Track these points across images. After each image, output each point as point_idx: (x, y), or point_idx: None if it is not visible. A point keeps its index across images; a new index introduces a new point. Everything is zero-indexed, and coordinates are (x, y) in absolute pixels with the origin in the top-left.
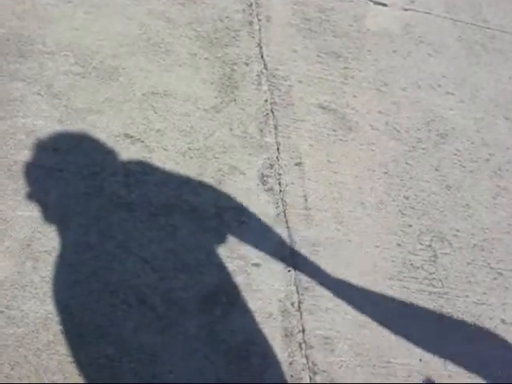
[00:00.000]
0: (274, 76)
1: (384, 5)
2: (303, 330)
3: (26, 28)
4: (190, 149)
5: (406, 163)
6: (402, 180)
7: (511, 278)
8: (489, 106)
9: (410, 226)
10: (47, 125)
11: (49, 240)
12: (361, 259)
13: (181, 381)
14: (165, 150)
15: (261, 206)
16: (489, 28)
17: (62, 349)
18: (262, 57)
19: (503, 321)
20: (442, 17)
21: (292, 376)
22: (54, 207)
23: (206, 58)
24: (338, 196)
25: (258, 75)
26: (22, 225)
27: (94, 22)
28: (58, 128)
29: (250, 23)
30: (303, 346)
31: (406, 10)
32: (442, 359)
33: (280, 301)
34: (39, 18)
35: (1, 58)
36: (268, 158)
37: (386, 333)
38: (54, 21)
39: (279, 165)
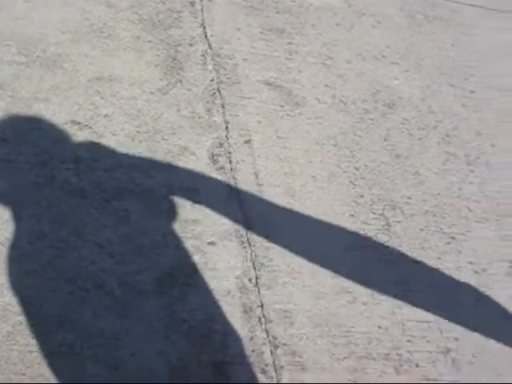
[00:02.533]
0: (218, 55)
1: None
2: (262, 305)
3: None
4: (138, 132)
5: (355, 135)
6: (351, 151)
7: (464, 242)
8: (434, 73)
9: (362, 196)
10: None
11: (1, 231)
12: (315, 232)
13: (143, 363)
14: (113, 134)
15: (213, 184)
16: None
17: (22, 339)
18: (205, 37)
19: (459, 284)
20: None
21: (253, 351)
22: (4, 198)
23: (149, 41)
24: (288, 171)
25: (202, 55)
26: None
27: (35, 10)
28: (4, 118)
29: (192, 4)
30: (263, 320)
31: None
32: (400, 324)
33: (237, 278)
34: None
35: None
36: (217, 137)
37: (343, 302)
38: None
39: (229, 143)
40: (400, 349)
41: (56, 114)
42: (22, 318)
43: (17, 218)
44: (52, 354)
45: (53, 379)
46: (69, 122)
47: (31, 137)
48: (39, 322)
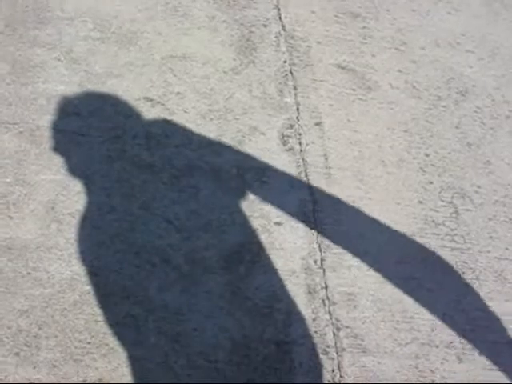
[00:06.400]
0: (292, 37)
1: None
2: (326, 287)
3: None
4: (210, 111)
5: (426, 121)
6: (422, 138)
7: None
8: (509, 63)
9: (431, 183)
10: (68, 89)
11: (73, 203)
12: (382, 216)
13: (206, 338)
14: (185, 112)
15: (282, 165)
16: None
17: (89, 309)
18: (279, 18)
19: None
20: None
21: (316, 332)
22: (76, 170)
23: (223, 21)
24: (358, 155)
25: (276, 37)
26: (46, 188)
27: None
28: (78, 93)
29: None
30: (326, 302)
31: None
32: (465, 313)
33: (303, 258)
34: None
35: (20, 25)
36: (288, 119)
37: (408, 288)
38: None
39: (299, 125)
40: (463, 337)
41: (129, 90)
42: (89, 288)
43: (88, 190)
44: (117, 324)
45: (117, 349)
46: (141, 99)
47: (104, 112)
48: (106, 292)
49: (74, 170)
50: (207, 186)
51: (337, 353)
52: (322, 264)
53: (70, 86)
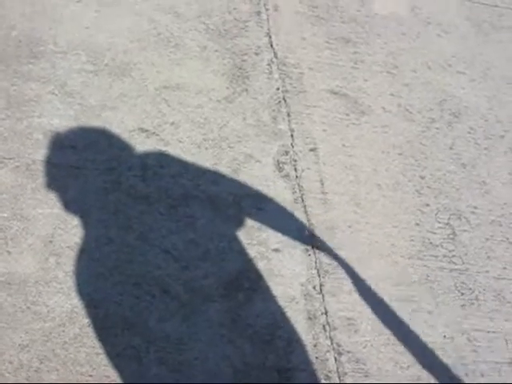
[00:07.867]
0: (284, 64)
1: None
2: (326, 312)
3: (37, 29)
4: (204, 140)
5: (420, 143)
6: (416, 160)
7: None
8: (500, 83)
9: (428, 205)
10: (63, 123)
11: (70, 236)
12: (379, 240)
13: (207, 366)
14: (180, 142)
15: (278, 192)
16: (496, 6)
17: (89, 341)
18: (271, 46)
19: None
20: None
21: (317, 358)
22: (73, 203)
23: (215, 50)
24: (353, 179)
25: (268, 64)
26: (43, 222)
27: (104, 19)
28: (73, 126)
29: (258, 13)
30: (327, 327)
31: None
32: (466, 334)
33: (302, 284)
34: (49, 18)
35: (14, 59)
36: (283, 145)
37: (408, 311)
38: (65, 21)
39: (294, 151)
40: (465, 359)
41: (124, 121)
42: (89, 321)
43: (85, 223)
44: (118, 356)
45: (118, 381)
46: (136, 130)
47: (99, 144)
48: (106, 325)
49: (71, 203)
50: (204, 215)
51: (339, 378)
52: (321, 289)
53: (65, 119)
